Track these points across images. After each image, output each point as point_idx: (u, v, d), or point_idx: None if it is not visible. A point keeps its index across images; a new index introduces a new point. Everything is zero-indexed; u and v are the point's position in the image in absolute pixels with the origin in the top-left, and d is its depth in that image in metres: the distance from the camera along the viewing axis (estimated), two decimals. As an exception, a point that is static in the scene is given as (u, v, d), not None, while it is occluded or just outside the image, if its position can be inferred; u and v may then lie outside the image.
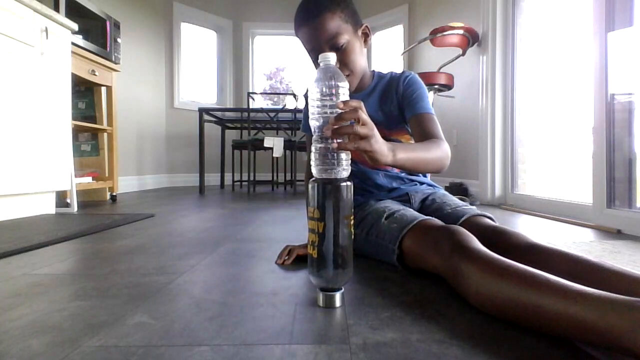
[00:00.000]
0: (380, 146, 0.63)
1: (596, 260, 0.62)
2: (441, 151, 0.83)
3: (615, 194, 1.56)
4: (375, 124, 0.63)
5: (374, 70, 1.06)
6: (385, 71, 1.07)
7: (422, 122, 0.92)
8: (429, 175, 1.10)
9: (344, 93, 0.61)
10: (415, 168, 0.79)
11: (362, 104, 0.60)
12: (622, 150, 1.53)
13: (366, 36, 0.91)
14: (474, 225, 0.85)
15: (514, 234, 0.78)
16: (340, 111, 0.58)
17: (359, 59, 0.89)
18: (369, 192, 1.04)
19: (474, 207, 0.94)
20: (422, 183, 1.08)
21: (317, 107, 0.60)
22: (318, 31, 0.83)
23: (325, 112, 0.59)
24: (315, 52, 0.85)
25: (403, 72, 1.02)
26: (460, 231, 0.70)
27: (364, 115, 0.59)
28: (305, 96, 0.99)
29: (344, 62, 0.87)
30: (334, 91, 0.59)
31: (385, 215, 0.88)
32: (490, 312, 0.59)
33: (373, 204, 0.97)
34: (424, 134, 0.89)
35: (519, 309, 0.53)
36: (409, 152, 0.72)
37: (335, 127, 0.57)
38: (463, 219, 0.89)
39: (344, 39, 0.85)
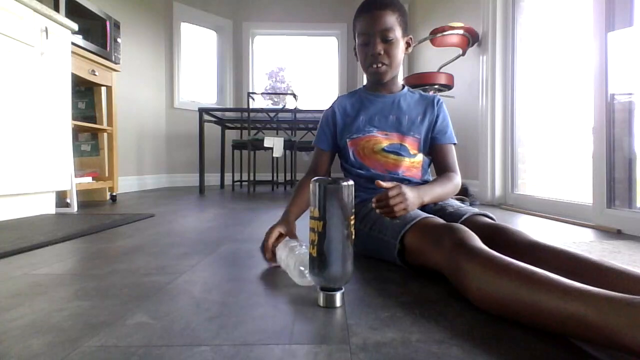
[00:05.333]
0: (412, 201, 0.84)
1: (596, 259, 0.62)
2: (454, 186, 1.02)
3: (615, 194, 1.55)
4: (399, 126, 1.05)
5: (403, 84, 1.15)
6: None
7: (446, 154, 1.08)
8: (431, 177, 1.12)
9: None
10: (435, 202, 0.99)
11: (400, 186, 0.82)
12: (622, 150, 1.53)
13: (408, 45, 1.05)
14: (474, 223, 0.86)
15: (514, 231, 0.78)
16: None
17: (399, 56, 1.02)
18: (375, 190, 1.05)
19: (475, 208, 0.96)
20: None
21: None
22: (379, 20, 0.97)
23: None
24: (368, 37, 0.99)
25: (434, 95, 1.14)
26: (462, 229, 0.71)
27: (397, 199, 0.81)
28: (328, 112, 1.14)
29: (388, 52, 1.00)
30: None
31: None
32: (490, 309, 0.59)
33: None
34: (444, 165, 1.07)
35: (519, 305, 0.53)
36: (431, 194, 0.93)
37: (380, 210, 0.82)
38: (464, 217, 0.90)
39: (394, 34, 0.99)
